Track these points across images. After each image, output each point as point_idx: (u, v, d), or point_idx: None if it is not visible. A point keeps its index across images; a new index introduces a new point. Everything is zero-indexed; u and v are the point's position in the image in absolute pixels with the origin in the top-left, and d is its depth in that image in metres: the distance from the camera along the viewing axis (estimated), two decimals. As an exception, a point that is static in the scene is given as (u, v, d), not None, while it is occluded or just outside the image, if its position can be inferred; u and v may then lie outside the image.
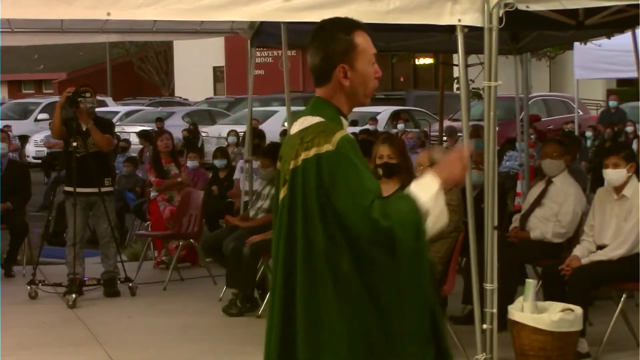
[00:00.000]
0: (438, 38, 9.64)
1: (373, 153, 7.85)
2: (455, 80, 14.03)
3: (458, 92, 10.78)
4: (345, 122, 3.68)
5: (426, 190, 3.49)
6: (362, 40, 3.65)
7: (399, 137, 12.85)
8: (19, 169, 11.91)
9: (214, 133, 25.79)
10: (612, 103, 22.00)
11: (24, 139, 26.14)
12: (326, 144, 3.52)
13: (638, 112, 19.63)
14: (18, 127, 26.92)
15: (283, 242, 3.63)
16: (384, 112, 25.65)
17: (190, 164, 12.31)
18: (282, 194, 3.65)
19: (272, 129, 20.81)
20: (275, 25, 9.44)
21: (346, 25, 3.67)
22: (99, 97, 19.31)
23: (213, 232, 11.05)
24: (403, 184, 7.70)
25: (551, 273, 7.62)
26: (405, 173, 7.64)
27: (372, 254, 3.47)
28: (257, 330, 5.00)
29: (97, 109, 10.75)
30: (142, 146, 18.61)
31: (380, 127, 22.99)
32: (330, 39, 3.64)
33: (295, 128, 3.70)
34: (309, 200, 3.53)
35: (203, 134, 25.57)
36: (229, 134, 19.75)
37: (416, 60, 39.32)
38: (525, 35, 10.85)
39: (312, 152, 3.54)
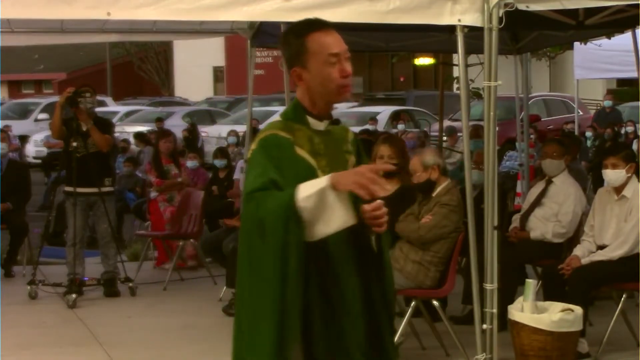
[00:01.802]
0: (438, 38, 9.64)
1: (373, 153, 7.88)
2: (455, 80, 14.01)
3: (458, 92, 10.78)
4: (314, 121, 3.71)
5: (308, 188, 3.48)
6: (315, 41, 3.65)
7: (400, 137, 12.84)
8: (19, 169, 11.91)
9: (214, 133, 25.80)
10: (607, 103, 22.26)
11: (24, 139, 26.13)
12: (253, 143, 3.67)
13: (638, 112, 19.65)
14: (18, 127, 26.90)
15: None
16: (384, 112, 25.67)
17: (190, 164, 12.30)
18: None
19: (272, 129, 20.76)
20: (275, 25, 9.42)
21: (300, 28, 3.70)
22: (99, 97, 19.34)
23: (213, 232, 11.05)
24: (403, 183, 7.74)
25: (551, 273, 7.62)
26: (405, 173, 7.66)
27: (251, 241, 3.53)
28: (257, 330, 5.00)
29: (97, 109, 10.74)
30: (139, 148, 18.65)
31: (380, 127, 22.99)
32: (285, 43, 3.71)
33: None
34: None
35: (203, 134, 25.58)
36: (229, 134, 19.77)
37: (416, 60, 39.31)
38: (525, 35, 10.84)
39: (249, 152, 3.71)
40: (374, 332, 3.71)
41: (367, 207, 3.56)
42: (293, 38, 3.68)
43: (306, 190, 3.46)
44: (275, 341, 3.47)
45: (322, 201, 3.46)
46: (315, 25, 3.69)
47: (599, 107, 23.44)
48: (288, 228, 3.44)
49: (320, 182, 3.49)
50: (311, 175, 3.61)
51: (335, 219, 3.48)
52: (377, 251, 3.72)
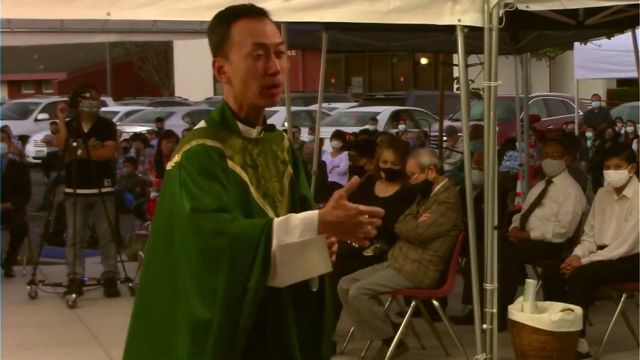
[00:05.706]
0: (438, 38, 9.64)
1: (377, 154, 7.92)
2: (455, 80, 14.02)
3: (458, 92, 10.77)
4: (245, 128, 3.10)
5: (290, 231, 2.84)
6: (241, 28, 3.07)
7: (404, 141, 12.82)
8: (19, 169, 11.91)
9: (214, 133, 25.76)
10: (596, 104, 22.63)
11: (24, 139, 26.13)
12: (176, 155, 3.02)
13: (638, 112, 19.67)
14: (18, 127, 26.88)
15: None
16: (384, 112, 25.65)
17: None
18: None
19: (272, 129, 20.78)
20: (276, 25, 9.44)
21: (228, 14, 3.12)
22: (98, 97, 19.26)
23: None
24: (403, 185, 7.77)
25: (551, 273, 7.62)
26: (406, 177, 7.71)
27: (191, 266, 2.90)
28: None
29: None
30: (138, 148, 18.68)
31: (380, 127, 22.98)
32: (210, 30, 3.16)
33: None
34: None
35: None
36: (229, 134, 19.69)
37: (416, 60, 39.34)
38: (525, 35, 10.85)
39: (170, 164, 3.05)
40: None
41: None
42: (218, 24, 3.11)
43: (287, 234, 2.83)
44: None
45: (303, 249, 2.85)
46: (244, 11, 3.10)
47: (601, 107, 23.62)
48: (251, 276, 2.83)
49: (307, 229, 2.83)
50: (244, 192, 3.01)
51: (315, 268, 2.90)
52: (317, 289, 3.08)
